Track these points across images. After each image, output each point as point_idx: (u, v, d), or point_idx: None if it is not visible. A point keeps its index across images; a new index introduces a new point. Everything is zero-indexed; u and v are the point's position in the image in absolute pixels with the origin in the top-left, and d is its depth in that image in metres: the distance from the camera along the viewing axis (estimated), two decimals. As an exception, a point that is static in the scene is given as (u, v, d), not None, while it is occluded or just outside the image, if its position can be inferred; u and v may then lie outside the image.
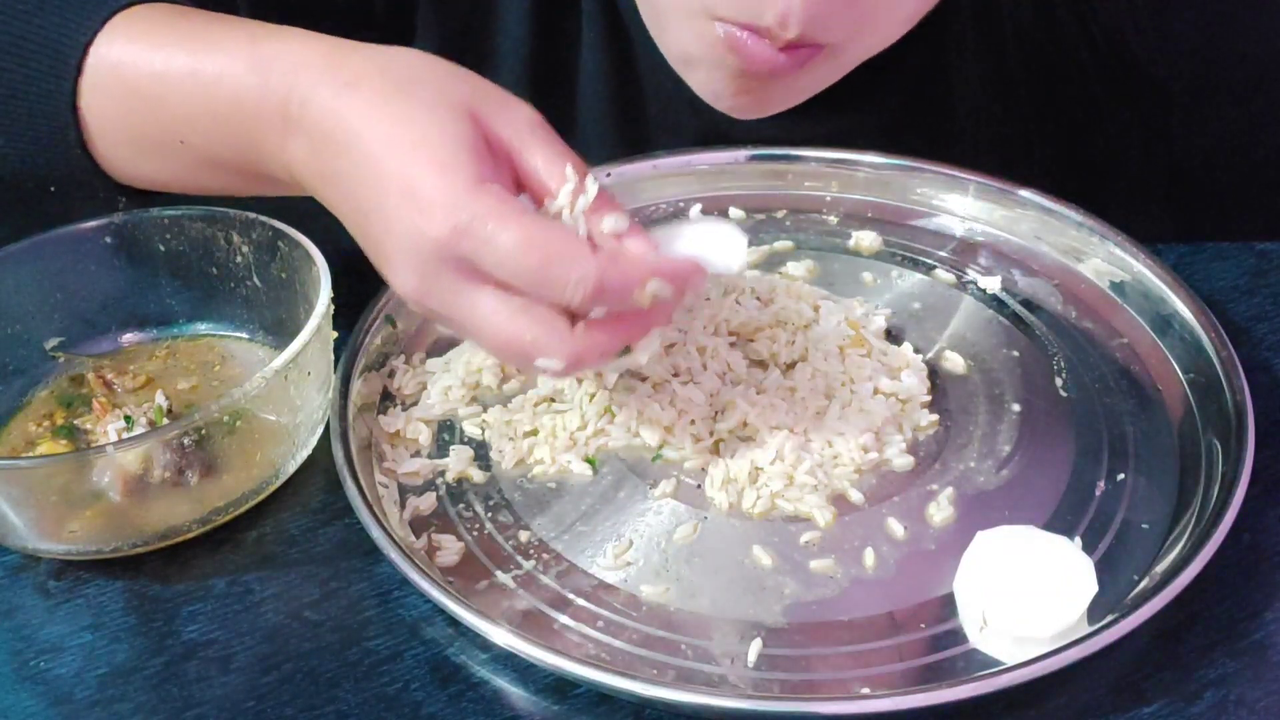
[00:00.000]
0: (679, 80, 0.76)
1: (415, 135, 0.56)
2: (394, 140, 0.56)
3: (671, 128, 0.84)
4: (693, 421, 0.64)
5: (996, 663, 0.54)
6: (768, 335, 0.67)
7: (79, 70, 0.64)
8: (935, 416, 0.65)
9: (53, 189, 0.68)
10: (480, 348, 0.63)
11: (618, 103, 0.84)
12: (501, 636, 0.54)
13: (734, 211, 0.79)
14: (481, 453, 0.65)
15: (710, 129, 0.82)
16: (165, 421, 0.65)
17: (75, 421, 0.66)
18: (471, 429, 0.66)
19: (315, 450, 0.64)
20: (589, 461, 0.63)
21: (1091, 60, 0.84)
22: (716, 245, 0.59)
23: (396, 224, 0.55)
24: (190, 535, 0.61)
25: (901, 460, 0.63)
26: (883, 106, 0.83)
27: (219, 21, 0.65)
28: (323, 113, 0.58)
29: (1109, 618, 0.53)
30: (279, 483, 0.63)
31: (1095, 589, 0.54)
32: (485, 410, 0.66)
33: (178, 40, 0.63)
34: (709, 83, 0.74)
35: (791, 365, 0.67)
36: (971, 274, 0.74)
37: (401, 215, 0.55)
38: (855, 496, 0.61)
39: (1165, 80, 0.84)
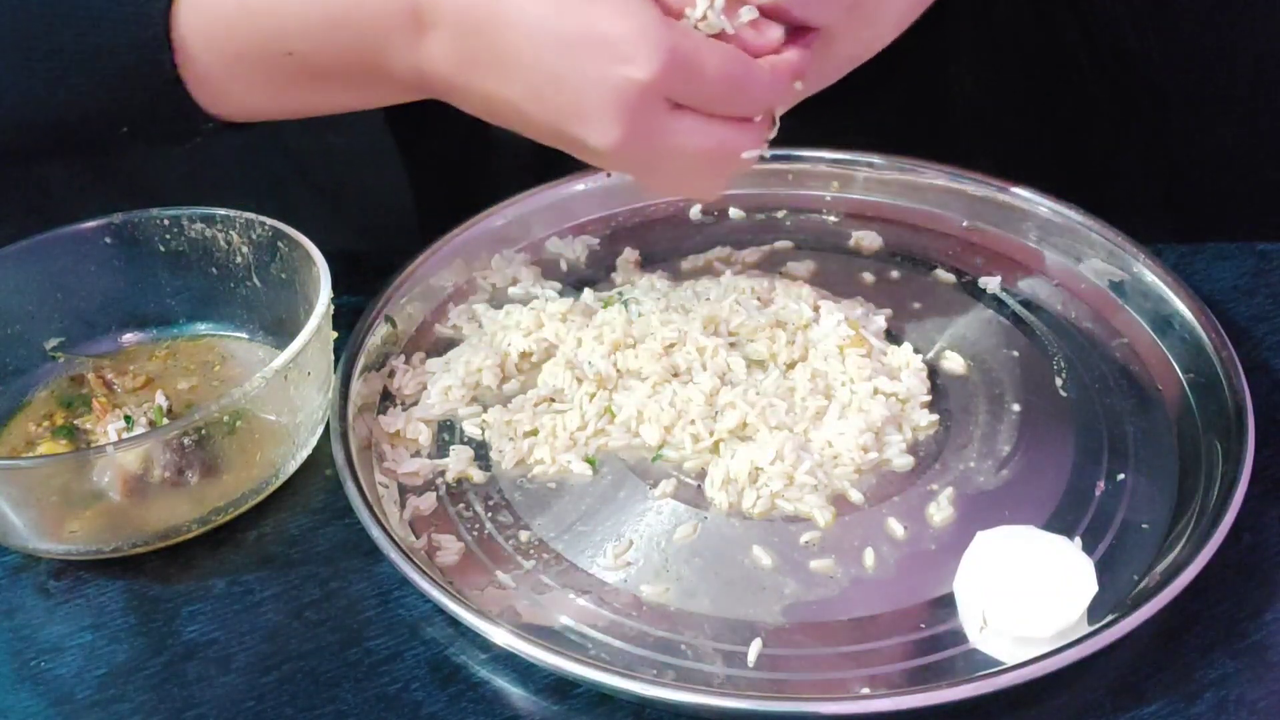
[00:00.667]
0: None
1: None
2: (563, 2, 0.56)
3: None
4: (693, 421, 0.64)
5: (996, 663, 0.54)
6: (767, 335, 0.67)
7: None
8: (935, 416, 0.65)
9: (125, 129, 0.65)
10: (675, 177, 0.63)
11: None
12: (501, 636, 0.54)
13: (734, 211, 0.79)
14: (481, 453, 0.65)
15: None
16: (165, 421, 0.65)
17: (75, 421, 0.66)
18: (471, 429, 0.66)
19: (315, 450, 0.64)
20: (589, 461, 0.63)
21: (1090, 61, 0.84)
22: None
23: (595, 79, 0.56)
24: (190, 535, 0.61)
25: (901, 460, 0.63)
26: (881, 107, 0.83)
27: None
28: (465, 1, 0.57)
29: (1109, 618, 0.53)
30: (279, 483, 0.63)
31: (1095, 589, 0.54)
32: (485, 410, 0.66)
33: None
34: None
35: (791, 365, 0.67)
36: (971, 274, 0.74)
37: (600, 68, 0.56)
38: (855, 496, 0.61)
39: (1164, 81, 0.84)
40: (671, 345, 0.67)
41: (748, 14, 0.58)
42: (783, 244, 0.77)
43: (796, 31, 0.65)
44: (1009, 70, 0.84)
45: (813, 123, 0.79)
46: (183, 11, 0.61)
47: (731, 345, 0.67)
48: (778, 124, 0.63)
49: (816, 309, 0.69)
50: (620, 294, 0.72)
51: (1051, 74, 0.85)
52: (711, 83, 0.57)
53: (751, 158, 0.61)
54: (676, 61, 0.56)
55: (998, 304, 0.72)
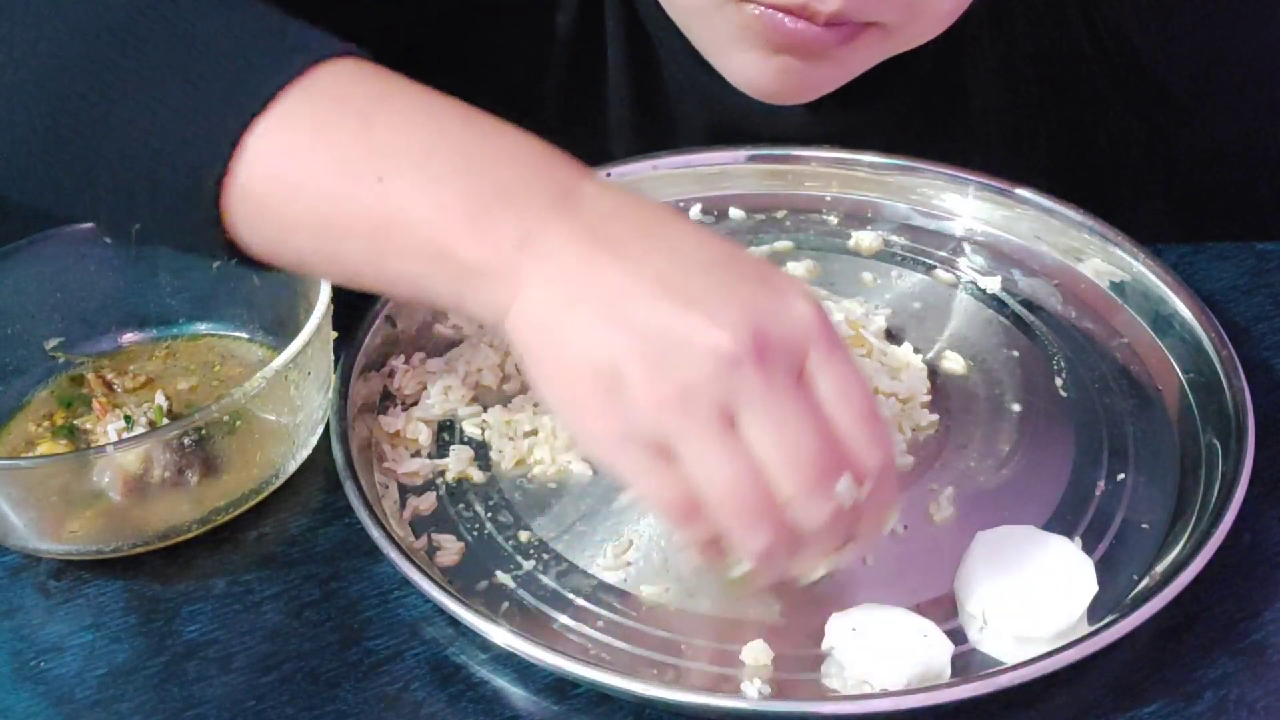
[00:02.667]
0: (695, 75, 0.75)
1: None
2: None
3: (687, 122, 0.84)
4: None
5: (996, 663, 0.54)
6: None
7: (224, 171, 0.52)
8: (935, 417, 0.65)
9: (138, 227, 0.58)
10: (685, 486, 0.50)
11: (640, 101, 0.83)
12: (501, 636, 0.54)
13: (734, 212, 0.79)
14: (481, 453, 0.65)
15: (726, 123, 0.81)
16: (165, 421, 0.65)
17: (75, 421, 0.66)
18: (471, 429, 0.66)
19: (315, 450, 0.64)
20: (589, 461, 0.63)
21: (1097, 56, 0.84)
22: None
23: (748, 292, 0.49)
24: (190, 535, 0.61)
25: (901, 460, 0.63)
26: (896, 100, 0.82)
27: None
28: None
29: (1109, 618, 0.53)
30: (279, 483, 0.63)
31: (1095, 589, 0.54)
32: (485, 410, 0.66)
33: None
34: (745, 69, 0.70)
35: None
36: (971, 274, 0.74)
37: (756, 287, 0.49)
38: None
39: (1167, 79, 0.84)
40: None
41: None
42: (783, 244, 0.77)
43: (844, 28, 0.64)
44: (1020, 65, 0.84)
45: (825, 116, 0.79)
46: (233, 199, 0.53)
47: None
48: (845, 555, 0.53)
49: None
50: None
51: (1060, 70, 0.84)
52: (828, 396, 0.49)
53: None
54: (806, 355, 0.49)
55: (998, 304, 0.72)
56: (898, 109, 0.83)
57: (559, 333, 0.49)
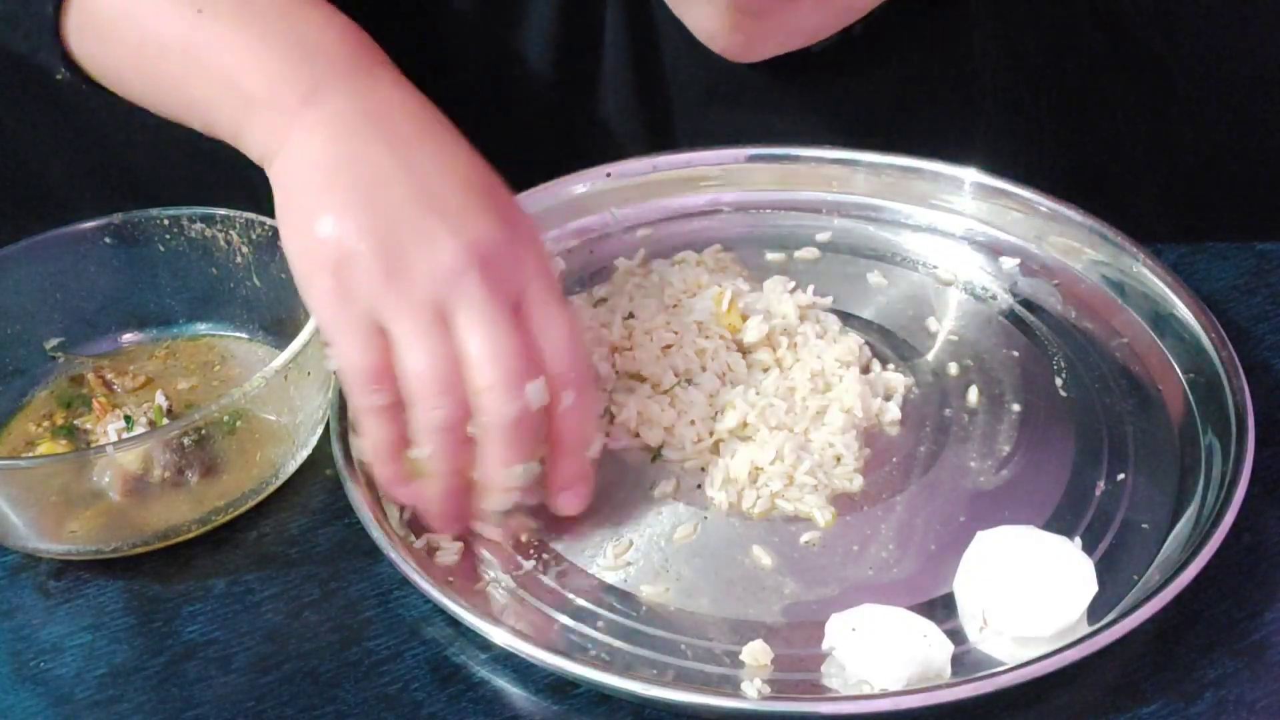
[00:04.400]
0: (698, 60, 0.75)
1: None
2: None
3: (686, 86, 0.84)
4: (692, 422, 0.64)
5: (996, 663, 0.54)
6: (765, 340, 0.67)
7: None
8: (897, 416, 0.65)
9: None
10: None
11: (637, 60, 0.83)
12: (501, 636, 0.54)
13: (733, 211, 0.79)
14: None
15: (722, 88, 0.81)
16: (165, 421, 0.65)
17: (75, 421, 0.66)
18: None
19: (315, 450, 0.64)
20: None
21: (1104, 50, 0.84)
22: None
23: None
24: (190, 535, 0.61)
25: (902, 460, 0.63)
26: (899, 69, 0.82)
27: None
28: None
29: (1109, 618, 0.53)
30: (279, 483, 0.63)
31: (1095, 589, 0.54)
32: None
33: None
34: (704, 20, 0.72)
35: (789, 366, 0.67)
36: (972, 274, 0.74)
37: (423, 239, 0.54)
38: (855, 495, 0.61)
39: (1170, 78, 0.84)
40: (669, 346, 0.67)
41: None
42: (783, 244, 0.77)
43: None
44: (1025, 45, 0.84)
45: (828, 86, 0.79)
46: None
47: (728, 348, 0.67)
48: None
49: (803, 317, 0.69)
50: (611, 295, 0.72)
51: (1065, 55, 0.84)
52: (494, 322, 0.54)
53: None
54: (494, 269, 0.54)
55: (998, 304, 0.72)
56: (901, 78, 0.82)
57: (314, 193, 0.54)
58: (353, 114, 0.54)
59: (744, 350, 0.67)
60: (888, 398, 0.65)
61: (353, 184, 0.54)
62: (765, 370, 0.67)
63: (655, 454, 0.63)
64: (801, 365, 0.66)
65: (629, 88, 0.83)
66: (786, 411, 0.63)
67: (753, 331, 0.67)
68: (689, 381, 0.65)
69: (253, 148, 0.56)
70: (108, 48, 0.61)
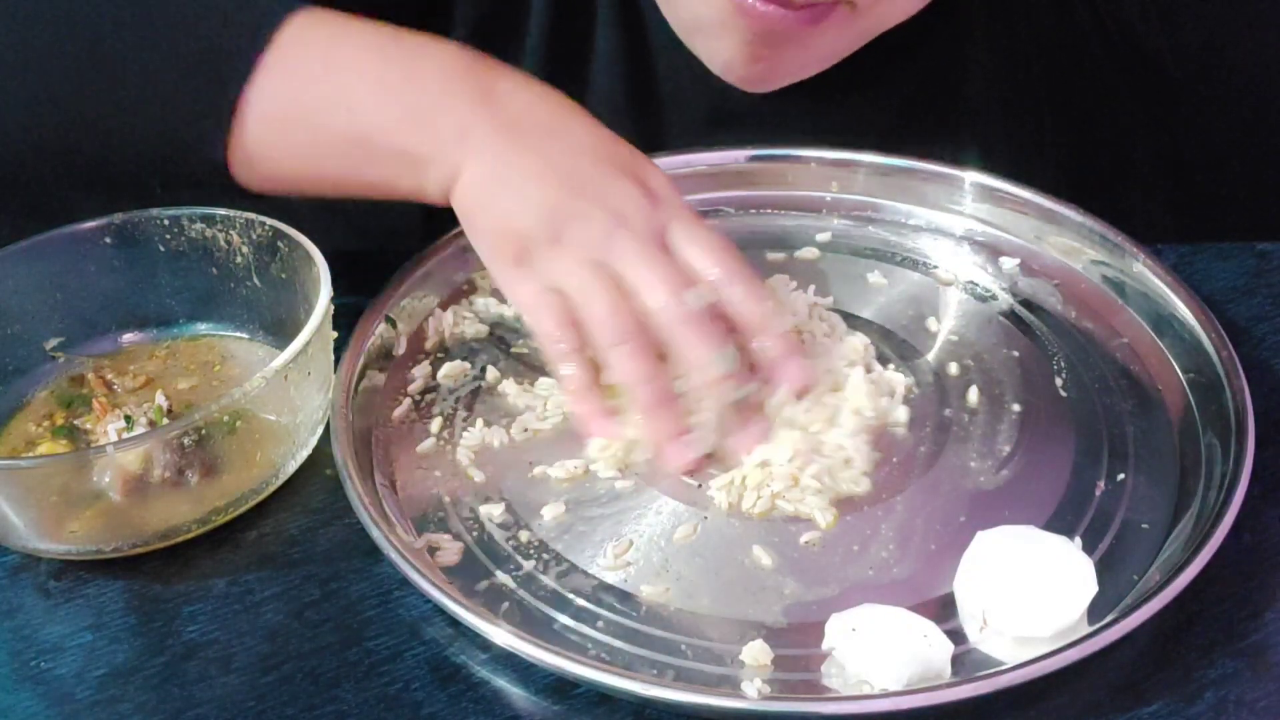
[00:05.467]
0: (692, 61, 0.75)
1: None
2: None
3: (684, 109, 0.84)
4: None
5: (996, 663, 0.54)
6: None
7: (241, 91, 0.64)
8: (905, 418, 0.65)
9: (159, 190, 0.69)
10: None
11: (632, 84, 0.83)
12: (501, 636, 0.54)
13: (733, 211, 0.79)
14: (482, 453, 0.64)
15: (723, 110, 0.81)
16: (165, 421, 0.65)
17: (75, 421, 0.66)
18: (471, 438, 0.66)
19: (315, 450, 0.64)
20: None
21: (1104, 53, 0.84)
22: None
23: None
24: (190, 535, 0.61)
25: (902, 460, 0.63)
26: (897, 89, 0.82)
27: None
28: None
29: (1109, 618, 0.53)
30: (279, 483, 0.63)
31: (1095, 589, 0.54)
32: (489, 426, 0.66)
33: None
34: (718, 52, 0.73)
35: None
36: (972, 274, 0.74)
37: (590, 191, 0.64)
38: (856, 496, 0.61)
39: (1171, 78, 0.84)
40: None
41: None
42: (783, 244, 0.77)
43: (814, 9, 0.66)
44: (1023, 60, 0.84)
45: (825, 105, 0.79)
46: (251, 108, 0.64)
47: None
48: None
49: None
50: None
51: (1065, 66, 0.84)
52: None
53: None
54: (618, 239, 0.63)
55: (998, 304, 0.72)
56: (899, 98, 0.83)
57: (488, 203, 0.65)
58: (494, 135, 0.64)
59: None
60: (892, 397, 0.65)
61: (511, 190, 0.64)
62: None
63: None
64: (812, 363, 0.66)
65: (622, 114, 0.83)
66: (805, 411, 0.63)
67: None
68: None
69: (436, 195, 0.65)
70: (284, 157, 0.67)
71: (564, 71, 0.83)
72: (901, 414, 0.65)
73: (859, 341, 0.68)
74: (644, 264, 0.62)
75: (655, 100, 0.84)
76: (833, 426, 0.63)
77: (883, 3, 0.70)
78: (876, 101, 0.82)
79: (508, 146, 0.64)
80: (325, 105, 0.65)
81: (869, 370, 0.66)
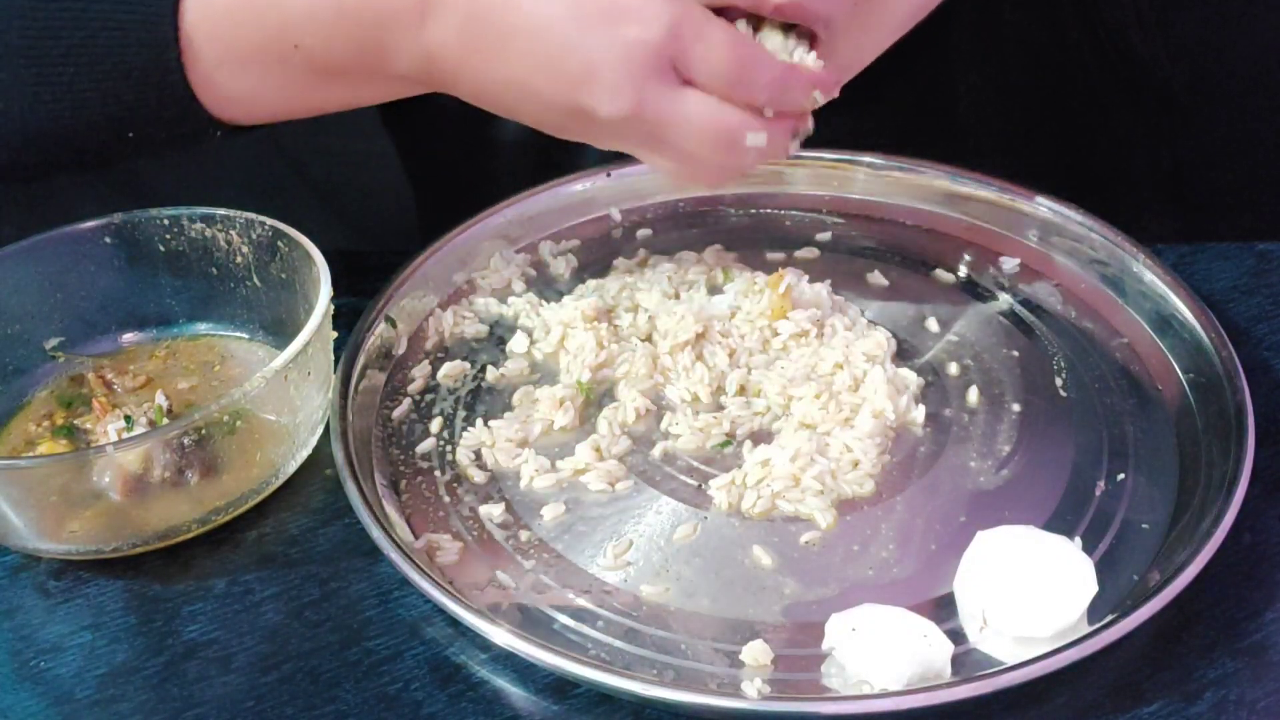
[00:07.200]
0: None
1: None
2: None
3: None
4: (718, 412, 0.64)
5: (996, 663, 0.54)
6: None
7: None
8: (923, 412, 0.65)
9: (131, 135, 0.66)
10: (681, 152, 0.62)
11: None
12: (501, 636, 0.54)
13: (733, 211, 0.79)
14: (482, 453, 0.64)
15: None
16: (165, 421, 0.65)
17: (75, 421, 0.66)
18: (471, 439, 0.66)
19: (315, 450, 0.64)
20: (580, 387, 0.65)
21: (1096, 62, 0.84)
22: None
23: (605, 42, 0.58)
24: (190, 535, 0.61)
25: (902, 460, 0.63)
26: (888, 111, 0.83)
27: None
28: None
29: (1109, 618, 0.53)
30: (279, 483, 0.63)
31: (1095, 589, 0.54)
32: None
33: None
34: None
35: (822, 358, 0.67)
36: (971, 274, 0.74)
37: (610, 31, 0.58)
38: (856, 497, 0.61)
39: (1168, 81, 0.84)
40: (701, 335, 0.67)
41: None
42: (783, 244, 0.77)
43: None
44: (1014, 76, 0.84)
45: (818, 122, 0.79)
46: (189, 11, 0.62)
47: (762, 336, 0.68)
48: (808, 129, 0.64)
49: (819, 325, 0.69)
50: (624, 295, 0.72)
51: (1057, 78, 0.85)
52: (719, 57, 0.59)
53: (759, 145, 0.61)
54: (685, 26, 0.58)
55: (998, 304, 0.72)
56: (890, 121, 0.83)
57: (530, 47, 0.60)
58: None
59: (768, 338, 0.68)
60: (907, 395, 0.65)
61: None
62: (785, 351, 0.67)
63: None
64: (827, 358, 0.66)
65: None
66: (821, 408, 0.63)
67: (798, 322, 0.67)
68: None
69: (415, 58, 0.61)
70: (237, 33, 0.63)
71: None
72: (919, 414, 0.65)
73: (881, 336, 0.68)
74: (719, 47, 0.60)
75: None
76: (848, 427, 0.63)
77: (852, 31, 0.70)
78: (868, 123, 0.82)
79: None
80: None
81: (887, 367, 0.66)
